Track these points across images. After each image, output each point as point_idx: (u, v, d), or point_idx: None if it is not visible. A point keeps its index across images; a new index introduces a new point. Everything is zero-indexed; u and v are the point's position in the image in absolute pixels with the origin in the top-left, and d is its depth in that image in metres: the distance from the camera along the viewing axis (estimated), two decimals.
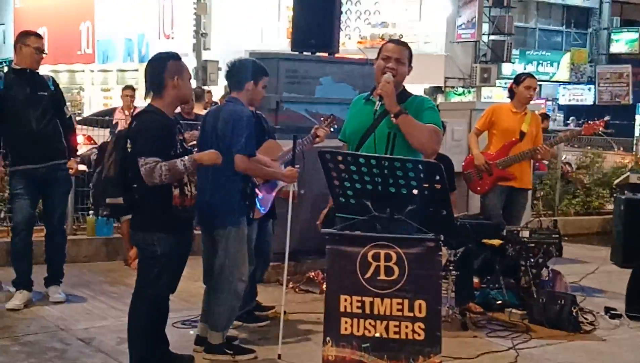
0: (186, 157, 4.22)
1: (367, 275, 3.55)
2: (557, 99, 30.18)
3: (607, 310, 6.30)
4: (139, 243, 4.43)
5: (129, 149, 4.27)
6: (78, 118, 11.02)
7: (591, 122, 7.33)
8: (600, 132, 7.05)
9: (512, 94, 6.97)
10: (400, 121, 3.99)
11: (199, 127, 5.17)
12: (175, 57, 4.40)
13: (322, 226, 4.61)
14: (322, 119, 5.93)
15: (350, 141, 4.25)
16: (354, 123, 4.25)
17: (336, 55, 7.66)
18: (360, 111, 4.22)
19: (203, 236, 4.97)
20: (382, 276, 3.54)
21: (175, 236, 4.32)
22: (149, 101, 4.39)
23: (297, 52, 7.44)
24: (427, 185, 3.63)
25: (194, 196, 4.38)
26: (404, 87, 4.25)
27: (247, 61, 5.13)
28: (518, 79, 6.98)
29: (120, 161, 4.34)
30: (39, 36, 6.09)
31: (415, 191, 3.62)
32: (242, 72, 5.00)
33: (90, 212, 7.66)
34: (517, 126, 6.82)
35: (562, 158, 11.48)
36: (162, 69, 4.31)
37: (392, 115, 3.99)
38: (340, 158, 3.69)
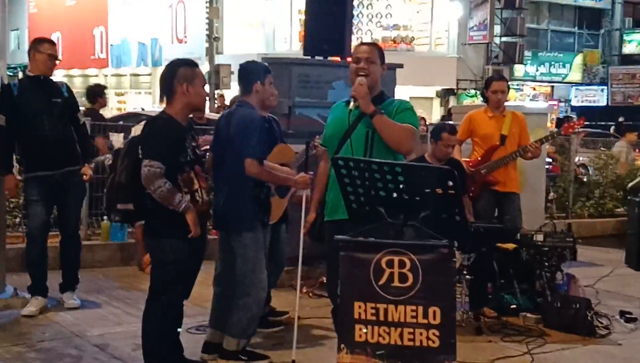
0: (187, 201, 4.19)
1: (381, 282, 3.53)
2: (570, 100, 30.10)
3: (622, 313, 6.24)
4: (151, 249, 4.43)
5: (140, 156, 4.27)
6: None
7: (569, 123, 7.48)
8: (577, 130, 7.11)
9: (485, 99, 6.94)
10: (375, 121, 4.13)
11: (212, 132, 5.16)
12: (188, 63, 4.40)
13: (310, 234, 4.68)
14: None
15: (330, 144, 4.40)
16: (333, 126, 4.40)
17: (348, 59, 7.63)
18: (340, 115, 4.36)
19: (220, 239, 4.96)
20: (396, 283, 3.52)
21: (187, 242, 4.29)
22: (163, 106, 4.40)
23: (309, 57, 7.44)
24: (440, 191, 3.61)
25: (206, 202, 4.38)
26: (382, 90, 4.38)
27: (251, 63, 5.14)
28: (487, 83, 6.98)
29: (132, 167, 4.34)
30: (52, 43, 6.11)
31: (428, 197, 3.59)
32: (248, 75, 5.00)
33: (105, 217, 7.67)
34: (496, 130, 6.76)
35: (576, 160, 11.39)
36: (172, 76, 4.31)
37: (368, 115, 4.13)
38: (353, 164, 3.68)
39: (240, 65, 5.12)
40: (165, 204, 4.14)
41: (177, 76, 4.29)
